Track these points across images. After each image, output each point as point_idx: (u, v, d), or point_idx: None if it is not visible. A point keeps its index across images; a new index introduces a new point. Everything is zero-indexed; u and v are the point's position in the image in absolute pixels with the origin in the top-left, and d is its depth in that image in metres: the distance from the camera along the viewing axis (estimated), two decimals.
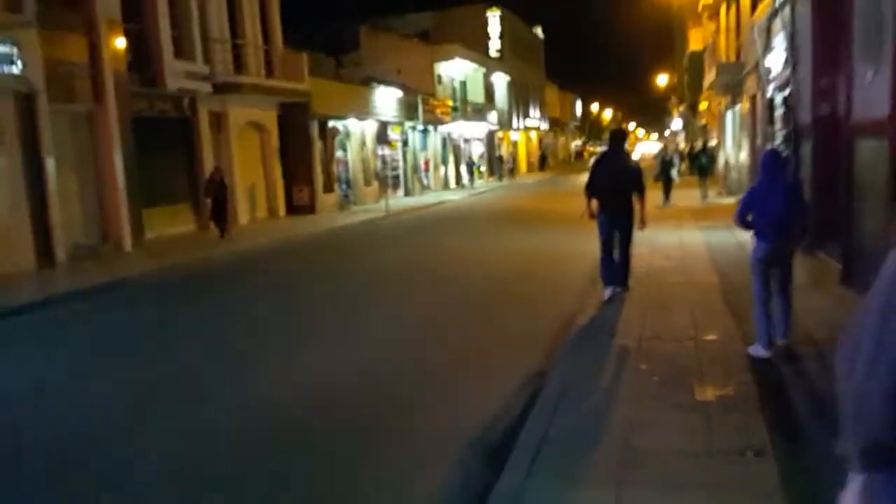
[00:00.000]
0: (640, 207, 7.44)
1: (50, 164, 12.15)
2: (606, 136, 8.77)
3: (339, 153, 24.86)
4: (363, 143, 25.96)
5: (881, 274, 1.19)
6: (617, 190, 7.30)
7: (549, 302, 7.74)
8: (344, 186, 24.94)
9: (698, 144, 26.69)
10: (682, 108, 44.57)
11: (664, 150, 21.95)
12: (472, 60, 37.59)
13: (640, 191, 7.39)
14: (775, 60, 10.88)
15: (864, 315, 1.20)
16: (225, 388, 5.37)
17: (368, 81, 27.79)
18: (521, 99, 52.17)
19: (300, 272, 11.38)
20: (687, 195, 18.61)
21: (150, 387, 5.47)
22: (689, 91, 35.18)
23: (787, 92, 9.74)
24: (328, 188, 23.19)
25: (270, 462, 3.99)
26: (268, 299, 9.00)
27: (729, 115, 20.84)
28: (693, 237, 11.68)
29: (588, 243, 12.19)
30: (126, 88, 13.92)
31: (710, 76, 21.86)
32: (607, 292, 7.29)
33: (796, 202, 5.07)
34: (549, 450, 3.57)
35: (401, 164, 29.53)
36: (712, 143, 25.65)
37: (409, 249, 13.48)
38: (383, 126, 22.23)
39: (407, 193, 29.33)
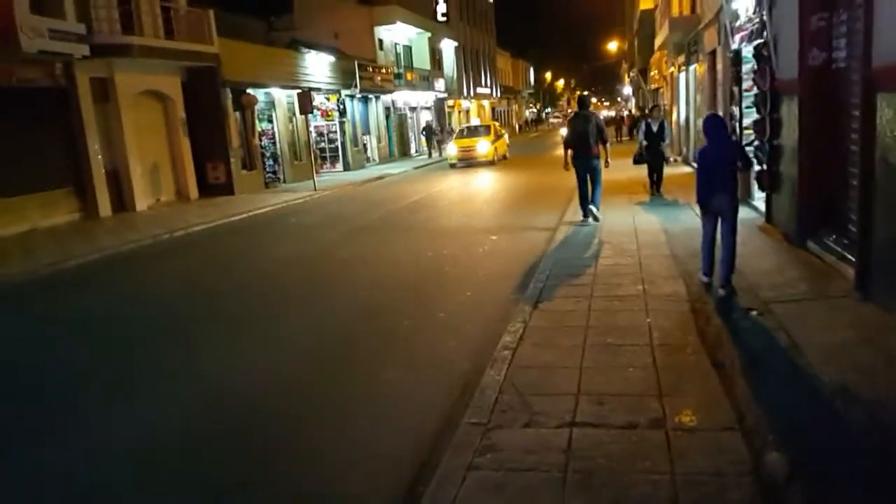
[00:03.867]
0: (604, 151, 9.82)
1: None
2: (575, 101, 11.41)
3: (263, 125, 22.35)
4: (292, 114, 23.44)
5: None
6: (584, 139, 9.63)
7: (458, 337, 5.58)
8: (270, 162, 22.47)
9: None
10: (632, 74, 42.88)
11: (653, 111, 13.46)
12: (416, 24, 35.06)
13: (604, 139, 9.83)
14: (744, 2, 8.94)
15: None
16: None
17: (296, 45, 25.17)
18: (471, 66, 49.87)
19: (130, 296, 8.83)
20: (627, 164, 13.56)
21: None
22: (640, 55, 33.44)
23: (761, 40, 7.82)
24: (250, 165, 20.71)
25: None
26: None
27: (682, 77, 19.00)
28: (648, 220, 9.79)
29: (527, 238, 9.78)
30: None
31: (662, 35, 19.94)
32: (582, 217, 9.83)
33: (737, 154, 5.88)
34: None
35: (338, 135, 27.12)
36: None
37: (307, 245, 10.88)
38: (307, 94, 19.77)
39: (346, 168, 27.00)
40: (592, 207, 9.70)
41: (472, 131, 27.46)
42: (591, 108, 11.06)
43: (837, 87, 6.12)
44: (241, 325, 6.45)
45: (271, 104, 22.38)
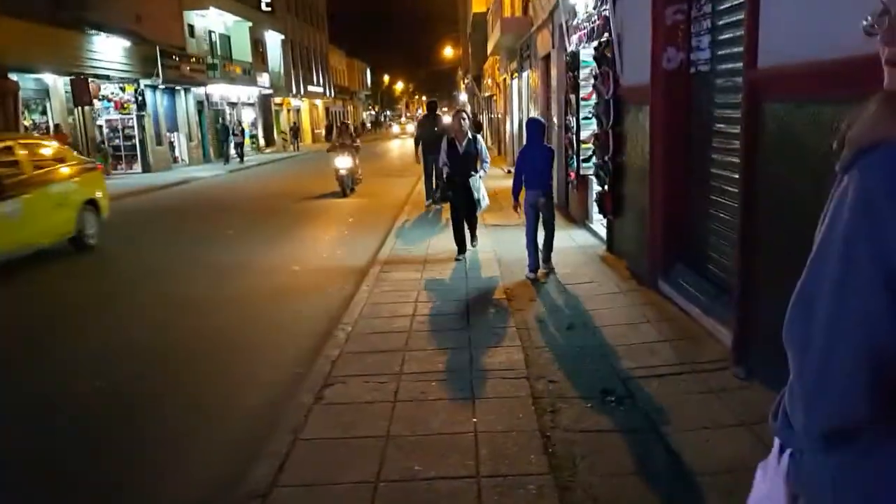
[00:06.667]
0: None
1: None
2: (420, 106, 13.65)
3: (35, 117, 18.53)
4: (75, 106, 19.68)
5: (830, 205, 0.87)
6: (432, 140, 10.98)
7: (180, 461, 3.76)
8: None
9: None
10: (467, 81, 42.63)
11: (454, 120, 7.74)
12: (233, 12, 31.91)
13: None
14: None
15: (817, 260, 0.87)
16: None
17: (80, 24, 21.33)
18: (301, 62, 47.02)
19: None
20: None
21: None
22: (474, 60, 32.89)
23: (603, 39, 6.67)
24: None
25: None
26: None
27: (515, 84, 18.24)
28: (480, 247, 8.43)
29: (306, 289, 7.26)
30: None
31: (493, 39, 19.09)
32: (428, 203, 11.88)
33: (552, 160, 6.50)
34: None
35: (136, 132, 23.47)
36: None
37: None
38: (82, 81, 16.49)
39: (146, 169, 23.43)
40: (428, 202, 11.84)
41: None
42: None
43: (699, 95, 4.99)
44: None
45: (45, 92, 18.61)
